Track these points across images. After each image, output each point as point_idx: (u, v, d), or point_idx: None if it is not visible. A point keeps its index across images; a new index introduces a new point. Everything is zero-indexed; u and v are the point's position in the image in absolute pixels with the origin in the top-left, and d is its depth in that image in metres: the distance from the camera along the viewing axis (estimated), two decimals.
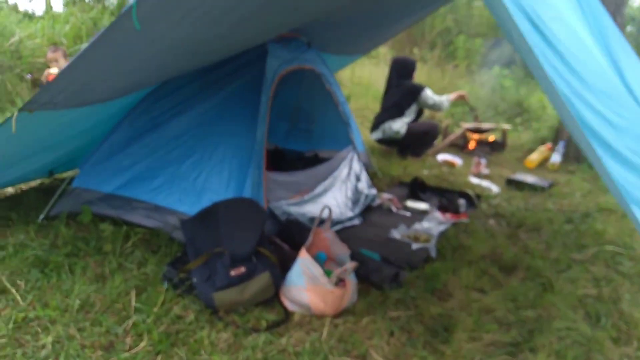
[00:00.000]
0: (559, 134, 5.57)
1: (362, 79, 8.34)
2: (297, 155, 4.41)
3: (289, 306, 2.38)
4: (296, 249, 2.66)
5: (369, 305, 2.47)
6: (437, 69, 9.57)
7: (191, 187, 2.92)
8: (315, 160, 4.08)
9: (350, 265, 2.34)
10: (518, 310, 2.52)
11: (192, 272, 2.41)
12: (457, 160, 5.18)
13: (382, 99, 5.63)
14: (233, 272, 2.31)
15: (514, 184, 4.48)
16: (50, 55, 4.59)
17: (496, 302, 2.57)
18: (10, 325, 2.11)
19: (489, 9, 1.90)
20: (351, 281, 2.43)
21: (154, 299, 2.31)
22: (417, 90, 5.33)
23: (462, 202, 3.74)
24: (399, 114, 5.38)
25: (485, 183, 4.52)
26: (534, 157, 5.29)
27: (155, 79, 2.90)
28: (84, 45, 7.72)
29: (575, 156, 5.29)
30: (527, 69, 9.17)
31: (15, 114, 2.14)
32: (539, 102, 7.31)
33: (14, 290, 2.34)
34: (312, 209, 3.21)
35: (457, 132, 5.90)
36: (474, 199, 3.96)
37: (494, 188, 4.41)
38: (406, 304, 2.52)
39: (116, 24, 1.70)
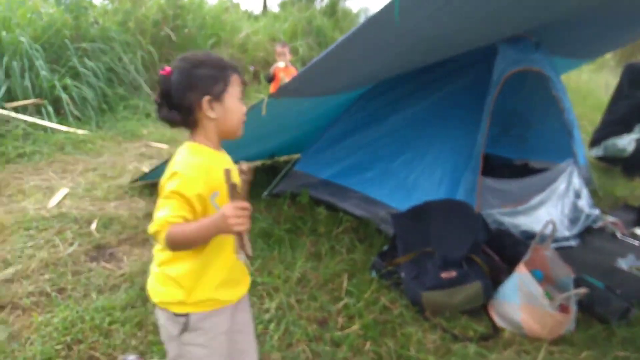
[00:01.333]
0: None
1: (579, 86, 7.50)
2: (505, 162, 4.15)
3: (498, 321, 2.25)
4: (506, 261, 2.50)
5: (591, 339, 2.20)
6: None
7: (402, 183, 2.96)
8: (525, 170, 3.78)
9: (580, 291, 2.10)
10: None
11: (400, 266, 2.44)
12: None
13: (607, 111, 4.98)
14: (444, 275, 2.27)
15: None
16: (279, 49, 4.85)
17: None
18: None
19: None
20: (573, 308, 2.19)
21: (364, 285, 2.39)
22: None
23: None
24: (627, 129, 4.70)
25: None
26: None
27: (390, 73, 2.99)
28: (339, 40, 8.35)
29: None
30: None
31: (266, 98, 2.39)
32: None
33: None
34: (525, 222, 2.98)
35: None
36: None
37: None
38: (636, 345, 2.18)
39: (375, 19, 1.77)
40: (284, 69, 4.76)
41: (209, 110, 1.21)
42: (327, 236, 2.84)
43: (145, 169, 3.88)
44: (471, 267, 2.32)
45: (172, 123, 1.25)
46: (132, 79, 5.95)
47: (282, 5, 13.16)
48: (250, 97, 6.53)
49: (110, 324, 2.06)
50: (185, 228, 1.13)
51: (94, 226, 2.87)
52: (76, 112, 4.99)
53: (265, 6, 14.08)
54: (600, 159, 4.84)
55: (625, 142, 4.66)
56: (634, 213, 3.65)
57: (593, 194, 3.91)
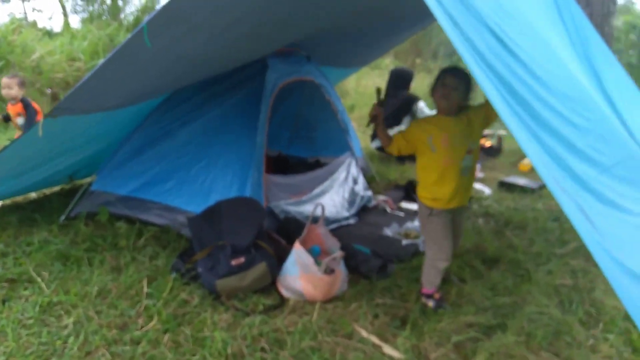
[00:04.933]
0: None
1: (366, 89, 8.62)
2: (300, 160, 4.69)
3: (284, 293, 2.64)
4: (293, 243, 2.92)
5: (357, 293, 2.72)
6: None
7: (199, 189, 3.21)
8: (317, 166, 4.35)
9: (338, 254, 2.59)
10: (495, 297, 2.74)
11: (197, 263, 2.68)
12: None
13: None
14: (234, 262, 2.58)
15: (505, 186, 4.69)
16: (5, 80, 4.11)
17: (475, 289, 2.79)
18: (37, 309, 2.40)
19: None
20: (341, 271, 2.68)
21: (164, 286, 2.58)
22: (413, 101, 5.59)
23: None
24: (397, 122, 5.64)
25: (478, 186, 4.74)
26: (528, 162, 5.50)
27: (164, 90, 3.21)
28: (101, 61, 8.06)
29: None
30: None
31: (42, 120, 2.44)
32: None
33: (39, 280, 2.64)
34: (309, 209, 3.47)
35: None
36: None
37: (487, 190, 4.63)
38: (392, 292, 2.76)
39: (130, 41, 1.99)
40: (13, 106, 4.22)
41: None
42: (128, 248, 2.96)
43: None
44: (258, 252, 2.68)
45: None
46: None
47: (84, 22, 12.41)
48: None
49: None
50: None
51: None
52: None
53: (67, 23, 13.08)
54: (379, 149, 5.71)
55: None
56: (401, 190, 4.44)
57: (371, 179, 4.65)
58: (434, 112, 5.65)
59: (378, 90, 2.61)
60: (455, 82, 2.33)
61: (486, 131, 6.24)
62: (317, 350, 2.21)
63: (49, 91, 7.91)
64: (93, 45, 9.54)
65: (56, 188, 4.01)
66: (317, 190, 3.68)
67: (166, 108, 3.49)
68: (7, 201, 3.81)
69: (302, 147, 4.81)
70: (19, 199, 3.87)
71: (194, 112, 3.43)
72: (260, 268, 2.61)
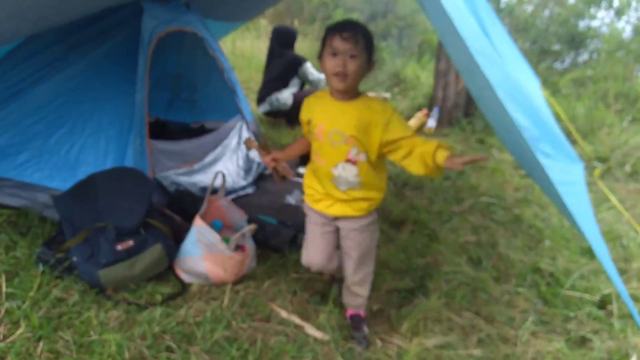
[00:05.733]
0: (433, 101, 5.95)
1: (243, 51, 8.13)
2: (182, 127, 4.18)
3: (185, 278, 2.26)
4: (189, 220, 2.52)
5: (270, 269, 2.44)
6: (317, 43, 9.66)
7: (63, 161, 2.61)
8: (202, 132, 3.89)
9: (249, 227, 2.27)
10: (409, 260, 2.66)
11: (70, 250, 2.17)
12: None
13: (265, 70, 5.53)
14: (120, 247, 2.12)
15: None
16: None
17: (389, 254, 2.68)
18: None
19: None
20: (250, 246, 2.37)
21: (29, 283, 2.04)
22: (299, 62, 5.31)
23: None
24: (284, 85, 5.33)
25: None
26: (412, 123, 5.60)
27: (9, 36, 2.53)
28: None
29: (448, 121, 5.72)
30: (401, 42, 9.64)
31: None
32: (414, 73, 7.73)
33: None
34: (202, 179, 3.07)
35: None
36: None
37: None
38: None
39: None
40: None
41: None
42: None
43: None
44: (150, 232, 2.24)
45: None
46: None
47: None
48: None
49: None
50: None
51: None
52: None
53: None
54: (267, 114, 5.38)
55: (285, 96, 5.28)
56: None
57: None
58: (322, 75, 5.58)
59: (248, 142, 2.15)
60: (351, 45, 1.63)
61: (371, 94, 6.25)
62: (233, 341, 1.90)
63: None
64: None
65: None
66: (209, 158, 3.28)
67: (14, 61, 2.76)
68: None
69: (184, 112, 4.29)
70: None
71: (51, 66, 2.76)
72: (155, 251, 2.19)
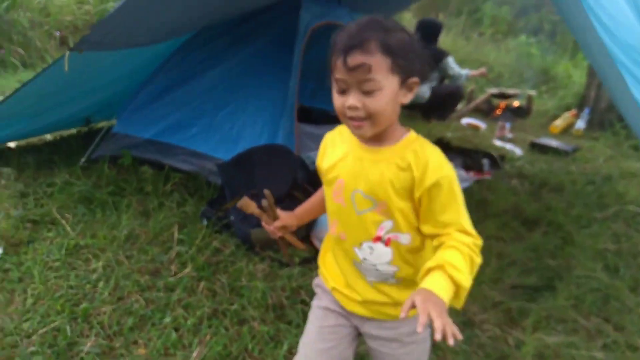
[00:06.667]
0: (584, 101, 5.54)
1: None
2: (324, 114, 4.49)
3: (318, 245, 2.51)
4: None
5: None
6: (461, 37, 9.45)
7: (226, 136, 3.04)
8: None
9: None
10: (539, 259, 2.62)
11: (229, 211, 2.55)
12: (482, 125, 5.21)
13: None
14: None
15: (537, 148, 4.52)
16: None
17: (517, 251, 2.67)
18: (63, 251, 2.28)
19: None
20: None
21: (195, 233, 2.46)
22: (441, 55, 5.32)
23: (485, 161, 3.82)
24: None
25: (509, 146, 4.56)
26: (559, 123, 5.30)
27: (190, 27, 3.00)
28: (110, 3, 7.65)
29: (600, 123, 5.29)
30: (554, 38, 9.02)
31: (68, 53, 2.25)
32: (565, 70, 7.22)
33: (63, 222, 2.51)
34: None
35: (482, 97, 5.90)
36: (497, 160, 4.02)
37: (518, 151, 4.46)
38: None
39: None
40: None
41: None
42: (155, 194, 2.82)
43: None
44: (293, 203, 2.53)
45: None
46: None
47: None
48: None
49: None
50: None
51: None
52: None
53: None
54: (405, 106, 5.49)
55: (423, 90, 5.35)
56: None
57: None
58: (464, 71, 5.54)
59: (244, 203, 1.47)
60: (364, 74, 0.99)
61: (513, 90, 6.02)
62: None
63: (58, 34, 7.61)
64: None
65: (72, 130, 3.84)
66: None
67: (190, 49, 3.27)
68: (22, 142, 3.64)
69: (327, 100, 4.58)
70: (34, 140, 3.71)
71: (218, 55, 3.22)
72: None
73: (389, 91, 1.02)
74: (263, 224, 1.42)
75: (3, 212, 2.57)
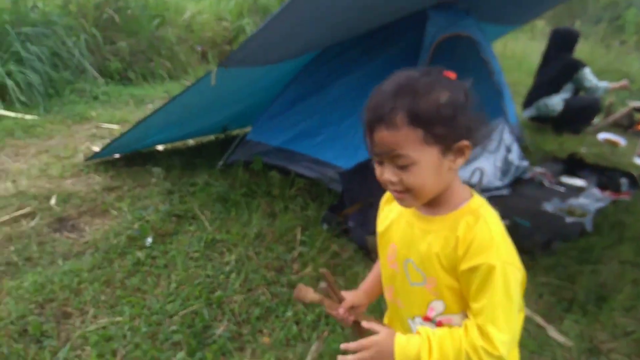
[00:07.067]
0: None
1: (515, 53, 7.93)
2: None
3: None
4: None
5: None
6: (600, 45, 8.71)
7: (349, 144, 3.17)
8: None
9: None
10: None
11: (348, 217, 2.66)
12: (621, 140, 4.77)
13: (537, 74, 5.35)
14: None
15: None
16: None
17: None
18: (202, 244, 2.56)
19: None
20: None
21: (316, 236, 2.61)
22: (577, 66, 4.97)
23: (624, 180, 3.51)
24: (556, 89, 5.08)
25: None
26: None
27: (324, 43, 3.18)
28: (247, 20, 8.25)
29: None
30: None
31: (215, 69, 2.53)
32: None
33: (203, 218, 2.81)
34: (461, 174, 3.26)
35: (623, 110, 5.39)
36: (637, 180, 3.66)
37: None
38: (557, 271, 2.50)
39: None
40: None
41: None
42: (281, 197, 3.03)
43: (97, 148, 3.93)
44: None
45: None
46: (77, 63, 5.86)
47: None
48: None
49: (79, 283, 2.20)
50: None
51: (53, 201, 2.95)
52: (22, 98, 4.91)
53: None
54: (533, 119, 5.22)
55: (555, 102, 5.05)
56: (561, 164, 4.02)
57: (524, 150, 4.26)
58: (602, 84, 5.11)
59: (300, 291, 1.27)
60: (391, 147, 0.90)
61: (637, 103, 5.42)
62: None
63: (199, 48, 8.44)
64: (238, 6, 9.95)
65: (211, 137, 4.26)
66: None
67: (320, 61, 3.47)
68: (168, 146, 4.12)
69: None
70: (179, 144, 4.18)
71: (347, 66, 3.37)
72: None
73: (426, 164, 0.90)
74: (327, 310, 1.18)
75: (153, 206, 2.95)
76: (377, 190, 2.67)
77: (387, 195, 1.14)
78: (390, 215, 1.10)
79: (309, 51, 3.16)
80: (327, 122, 3.31)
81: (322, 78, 3.41)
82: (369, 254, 2.50)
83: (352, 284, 2.25)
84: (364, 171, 2.81)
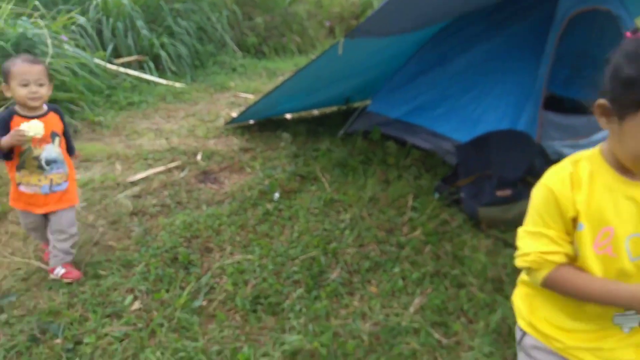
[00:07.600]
0: None
1: None
2: (577, 104, 4.21)
3: None
4: None
5: None
6: None
7: (468, 118, 3.21)
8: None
9: None
10: None
11: (461, 188, 2.75)
12: None
13: None
14: (499, 193, 2.56)
15: None
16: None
17: None
18: (321, 202, 2.83)
19: None
20: None
21: (427, 204, 2.74)
22: None
23: None
24: None
25: None
26: None
27: (450, 14, 3.21)
28: None
29: None
30: None
31: (342, 39, 2.73)
32: None
33: (323, 179, 3.08)
34: None
35: None
36: None
37: None
38: None
39: None
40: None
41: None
42: (395, 166, 3.19)
43: (235, 114, 4.39)
44: (526, 188, 2.58)
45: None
46: (220, 37, 6.47)
47: None
48: None
49: (219, 225, 2.59)
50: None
51: (199, 157, 3.43)
52: (173, 68, 5.60)
53: None
54: None
55: None
56: None
57: None
58: None
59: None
60: None
61: None
62: None
63: (328, 24, 8.74)
64: None
65: (334, 108, 4.52)
66: (597, 136, 3.29)
67: (445, 34, 3.50)
68: (295, 115, 4.46)
69: (582, 89, 4.29)
70: (304, 113, 4.50)
71: (472, 40, 3.37)
72: (526, 204, 2.52)
73: None
74: None
75: (281, 167, 3.28)
76: (495, 162, 2.72)
77: (579, 172, 1.02)
78: (589, 196, 0.99)
79: (434, 23, 3.22)
80: (447, 96, 3.37)
81: (446, 51, 3.45)
82: (479, 224, 2.58)
83: (459, 250, 2.37)
84: (482, 144, 2.86)
